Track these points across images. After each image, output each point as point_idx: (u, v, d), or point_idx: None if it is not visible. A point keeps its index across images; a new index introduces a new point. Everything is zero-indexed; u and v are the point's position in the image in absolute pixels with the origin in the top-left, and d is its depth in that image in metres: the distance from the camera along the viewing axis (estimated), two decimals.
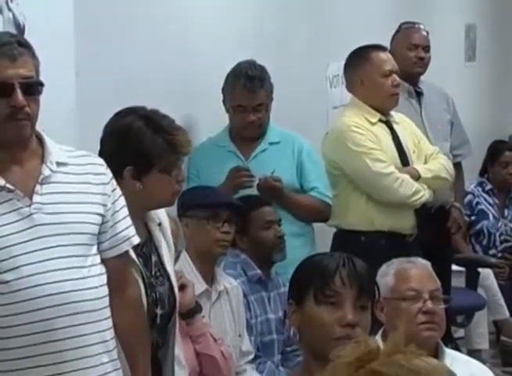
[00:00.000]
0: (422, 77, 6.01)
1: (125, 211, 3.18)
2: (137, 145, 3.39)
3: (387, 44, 5.61)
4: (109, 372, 3.06)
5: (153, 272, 3.42)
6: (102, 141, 3.45)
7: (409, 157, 5.23)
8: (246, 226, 4.70)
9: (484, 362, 3.83)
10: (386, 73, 5.18)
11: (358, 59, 5.20)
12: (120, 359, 3.14)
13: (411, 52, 5.90)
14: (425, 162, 5.28)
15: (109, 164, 3.18)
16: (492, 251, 7.30)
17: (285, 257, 4.71)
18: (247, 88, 4.93)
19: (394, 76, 5.21)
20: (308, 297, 2.78)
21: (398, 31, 6.02)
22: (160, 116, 3.46)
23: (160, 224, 3.49)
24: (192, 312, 4.05)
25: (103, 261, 3.10)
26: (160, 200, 3.46)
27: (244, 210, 4.67)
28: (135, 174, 3.38)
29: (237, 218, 4.57)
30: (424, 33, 6.02)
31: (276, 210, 4.85)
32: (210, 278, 4.43)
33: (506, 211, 7.42)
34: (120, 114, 3.47)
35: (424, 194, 5.14)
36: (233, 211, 4.53)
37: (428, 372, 2.14)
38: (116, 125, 3.44)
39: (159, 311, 3.46)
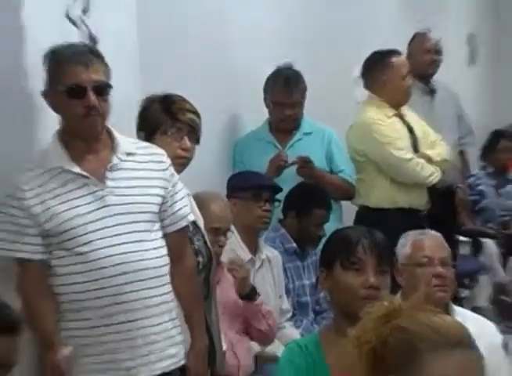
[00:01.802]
0: (433, 78, 5.97)
1: (182, 193, 3.18)
2: (145, 114, 3.45)
3: (399, 46, 5.58)
4: (170, 329, 3.06)
5: (191, 229, 3.38)
6: None
7: (418, 144, 5.21)
8: (302, 214, 4.66)
9: (486, 318, 3.77)
10: (404, 75, 5.18)
11: (381, 64, 5.19)
12: (178, 317, 3.13)
13: (425, 55, 5.89)
14: (431, 148, 5.25)
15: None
16: (491, 225, 7.27)
17: (317, 245, 4.67)
18: (285, 88, 4.91)
19: (409, 77, 5.23)
20: (336, 264, 2.78)
21: (413, 38, 6.02)
22: (176, 96, 3.50)
23: (188, 194, 3.45)
24: (249, 296, 4.08)
25: (165, 235, 3.09)
26: None
27: (309, 200, 4.68)
28: (145, 137, 3.39)
29: (298, 201, 4.61)
30: (435, 39, 6.00)
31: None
32: (254, 248, 4.42)
33: (503, 191, 7.38)
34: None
35: (438, 175, 5.16)
36: (274, 192, 4.51)
37: (446, 328, 2.11)
38: (141, 103, 3.51)
39: (200, 259, 3.44)
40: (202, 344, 3.23)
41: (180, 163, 3.41)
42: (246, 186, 4.43)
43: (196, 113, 3.51)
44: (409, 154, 5.08)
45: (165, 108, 3.44)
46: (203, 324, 3.28)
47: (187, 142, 3.45)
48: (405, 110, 5.28)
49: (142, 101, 3.49)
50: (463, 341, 2.08)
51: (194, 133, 3.50)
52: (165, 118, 3.43)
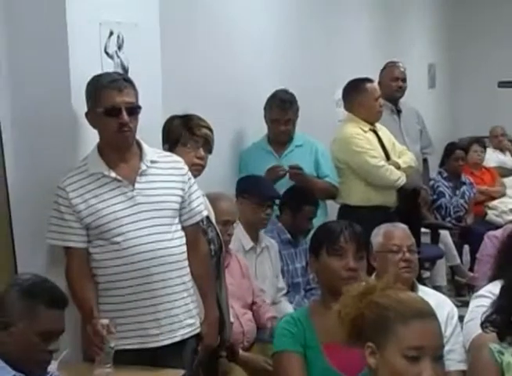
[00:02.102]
0: (400, 100, 5.96)
1: (198, 193, 3.17)
2: (168, 130, 3.48)
3: (372, 75, 5.57)
4: (188, 303, 3.06)
5: (205, 223, 3.38)
6: None
7: (389, 153, 5.19)
8: (295, 210, 4.60)
9: (443, 294, 3.77)
10: (376, 98, 5.16)
11: (358, 89, 5.16)
12: (195, 294, 3.13)
13: (393, 82, 5.86)
14: (398, 156, 5.23)
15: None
16: (447, 219, 7.24)
17: (306, 236, 4.64)
18: (281, 108, 4.88)
19: (380, 99, 5.21)
20: (323, 251, 2.81)
21: (384, 68, 6.00)
22: (193, 115, 3.52)
23: (203, 194, 3.45)
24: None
25: (183, 228, 3.09)
26: None
27: (299, 199, 4.64)
28: (169, 148, 3.39)
29: (291, 200, 4.55)
30: (402, 69, 6.00)
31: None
32: (255, 238, 4.40)
33: (457, 192, 7.35)
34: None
35: (403, 179, 5.13)
36: (275, 199, 4.49)
37: (411, 301, 2.12)
38: (166, 121, 3.54)
39: (212, 247, 3.44)
40: (214, 316, 3.23)
41: (196, 169, 3.41)
42: (254, 193, 4.36)
43: (209, 128, 3.52)
44: (382, 162, 5.05)
45: (185, 125, 3.45)
46: (215, 300, 3.28)
47: (202, 152, 3.46)
48: (378, 126, 5.27)
49: (167, 120, 3.50)
50: (425, 312, 2.09)
51: (208, 145, 3.51)
52: (184, 133, 3.43)
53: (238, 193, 4.44)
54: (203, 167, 3.48)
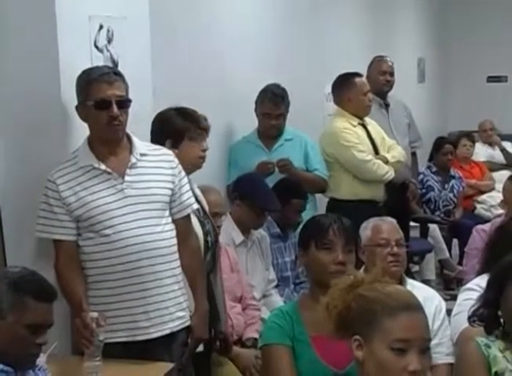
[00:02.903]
0: (389, 94, 5.96)
1: (188, 186, 3.17)
2: (171, 125, 3.40)
3: (361, 69, 5.58)
4: (179, 296, 3.07)
5: (201, 215, 3.39)
6: (151, 127, 3.45)
7: (378, 148, 5.20)
8: (285, 203, 4.54)
9: (432, 288, 3.78)
10: (365, 92, 5.17)
11: (347, 83, 5.18)
12: (185, 287, 3.14)
13: (381, 76, 5.86)
14: (388, 151, 5.24)
15: (154, 140, 3.26)
16: (436, 213, 7.27)
17: (296, 229, 4.63)
18: (272, 102, 4.88)
19: (369, 94, 5.21)
20: (312, 245, 2.80)
21: (372, 62, 6.00)
22: (188, 108, 3.47)
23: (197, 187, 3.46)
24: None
25: (174, 221, 3.09)
26: (191, 160, 3.39)
27: (288, 192, 4.62)
28: (173, 144, 3.36)
29: (280, 193, 4.48)
30: (390, 63, 5.99)
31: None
32: (246, 233, 4.38)
33: (446, 186, 7.37)
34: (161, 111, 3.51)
35: (391, 173, 5.14)
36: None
37: (398, 294, 2.13)
38: (158, 116, 3.47)
39: (209, 238, 3.44)
40: (204, 308, 3.23)
41: (201, 162, 3.43)
42: (255, 201, 4.29)
43: (207, 120, 3.52)
44: (369, 156, 5.05)
45: (187, 118, 3.41)
46: (205, 292, 3.27)
47: (205, 145, 3.47)
48: (368, 121, 5.28)
49: (160, 114, 3.47)
50: (412, 305, 2.10)
51: (207, 137, 3.52)
52: (190, 127, 3.41)
53: (236, 193, 4.39)
54: (204, 159, 3.49)
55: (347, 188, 5.07)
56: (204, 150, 3.45)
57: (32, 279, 2.40)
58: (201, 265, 3.28)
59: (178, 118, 3.42)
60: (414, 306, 2.09)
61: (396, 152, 5.27)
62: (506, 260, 2.59)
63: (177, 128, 3.40)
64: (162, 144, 3.26)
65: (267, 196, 4.39)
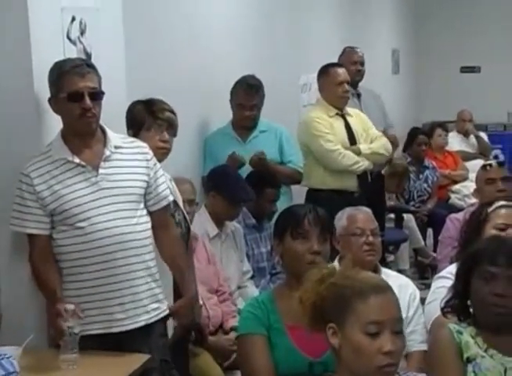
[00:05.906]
0: (360, 84, 5.98)
1: (163, 178, 3.16)
2: (131, 115, 3.44)
3: (336, 60, 5.60)
4: (153, 288, 3.06)
5: (172, 207, 3.37)
6: None
7: (357, 139, 5.17)
8: (257, 194, 4.55)
9: (407, 276, 3.81)
10: (338, 82, 5.16)
11: (322, 73, 5.24)
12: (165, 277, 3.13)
13: (352, 66, 5.88)
14: (371, 142, 5.23)
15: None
16: (411, 203, 7.30)
17: (271, 219, 4.64)
18: (247, 92, 4.87)
19: (344, 85, 5.19)
20: (287, 235, 2.80)
21: (343, 53, 6.06)
22: (156, 99, 3.48)
23: (170, 179, 3.44)
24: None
25: (151, 213, 3.08)
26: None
27: (261, 183, 4.64)
28: (133, 133, 3.37)
29: (253, 184, 4.49)
30: (360, 53, 6.04)
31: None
32: (220, 225, 4.39)
33: (420, 176, 7.40)
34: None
35: (363, 164, 5.11)
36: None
37: (368, 278, 2.15)
38: (129, 107, 3.49)
39: (180, 230, 3.44)
40: (191, 293, 3.25)
41: (161, 152, 3.40)
42: (229, 192, 4.30)
43: (172, 112, 3.50)
44: (336, 146, 5.03)
45: (147, 109, 3.43)
46: (193, 278, 3.28)
47: (166, 135, 3.45)
48: (352, 112, 5.27)
49: (130, 105, 3.48)
50: (382, 286, 2.13)
51: (172, 128, 3.49)
52: (148, 117, 3.42)
53: (211, 185, 4.40)
54: (168, 150, 3.46)
55: (317, 177, 5.09)
56: (165, 141, 3.43)
57: None
58: (184, 251, 3.30)
59: (137, 109, 3.44)
60: (384, 287, 2.12)
61: (376, 144, 5.22)
62: (470, 251, 2.61)
63: (135, 118, 3.42)
64: (129, 134, 3.28)
65: (240, 186, 4.40)
